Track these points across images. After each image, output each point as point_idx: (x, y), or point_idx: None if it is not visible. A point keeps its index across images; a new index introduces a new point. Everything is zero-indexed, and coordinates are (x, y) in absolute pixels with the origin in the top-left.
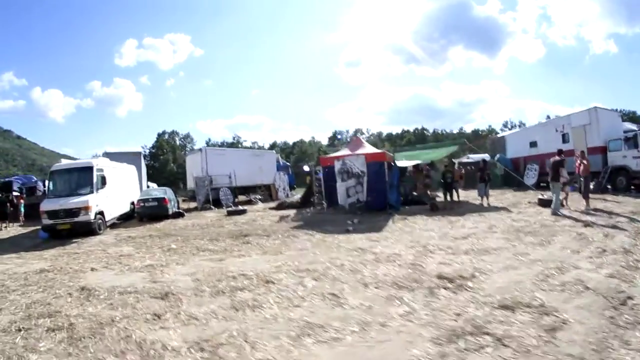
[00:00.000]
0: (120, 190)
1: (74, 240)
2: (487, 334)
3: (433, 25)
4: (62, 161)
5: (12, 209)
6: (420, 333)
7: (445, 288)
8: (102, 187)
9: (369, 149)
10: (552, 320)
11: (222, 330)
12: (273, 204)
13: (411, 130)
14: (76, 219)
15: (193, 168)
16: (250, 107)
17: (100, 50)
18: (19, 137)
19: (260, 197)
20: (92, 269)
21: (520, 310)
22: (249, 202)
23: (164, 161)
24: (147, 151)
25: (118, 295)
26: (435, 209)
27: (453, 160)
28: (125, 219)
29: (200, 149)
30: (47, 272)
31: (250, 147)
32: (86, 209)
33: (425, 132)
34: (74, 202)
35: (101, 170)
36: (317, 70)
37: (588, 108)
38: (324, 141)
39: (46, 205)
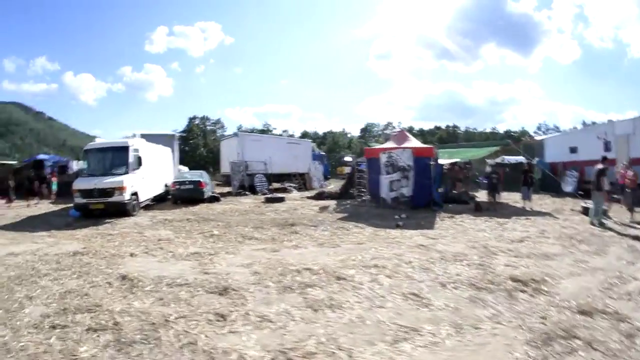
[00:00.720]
0: (155, 171)
1: (106, 221)
2: (577, 337)
3: (466, 21)
4: (96, 140)
5: (43, 186)
6: (514, 336)
7: (522, 291)
8: (137, 168)
9: (414, 143)
10: (629, 327)
11: (306, 335)
12: (309, 193)
13: (443, 127)
14: (110, 199)
15: (228, 153)
16: (280, 96)
17: (132, 36)
18: (50, 119)
19: (295, 185)
20: (132, 255)
21: (597, 316)
22: (284, 190)
23: (194, 145)
24: (178, 135)
25: (167, 287)
26: (479, 209)
27: (487, 160)
28: (158, 201)
29: (236, 134)
30: (82, 255)
31: (287, 136)
32: (121, 189)
33: (456, 129)
34: (108, 181)
35: (137, 150)
36: (347, 62)
37: (633, 117)
38: (355, 133)
39: (79, 184)
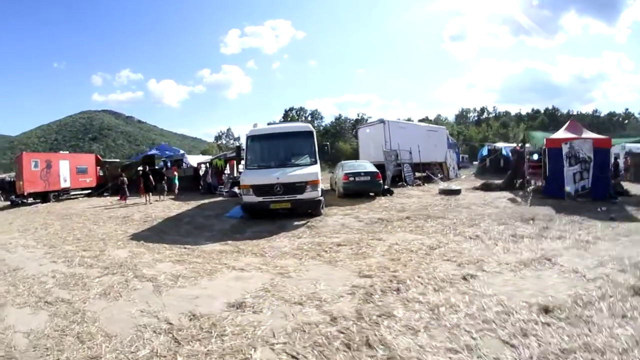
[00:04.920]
0: None
1: (296, 223)
2: None
3: None
4: (257, 125)
5: (161, 182)
6: None
7: None
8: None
9: (589, 133)
10: None
11: None
12: (460, 184)
13: (532, 109)
14: (299, 196)
15: (370, 141)
16: (357, 85)
17: (206, 41)
18: (140, 122)
19: (441, 175)
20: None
21: None
22: (428, 180)
23: None
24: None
25: None
26: None
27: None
28: None
29: (382, 121)
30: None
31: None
32: (314, 183)
33: (556, 112)
34: (297, 174)
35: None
36: (422, 46)
37: None
38: (451, 118)
39: (253, 178)
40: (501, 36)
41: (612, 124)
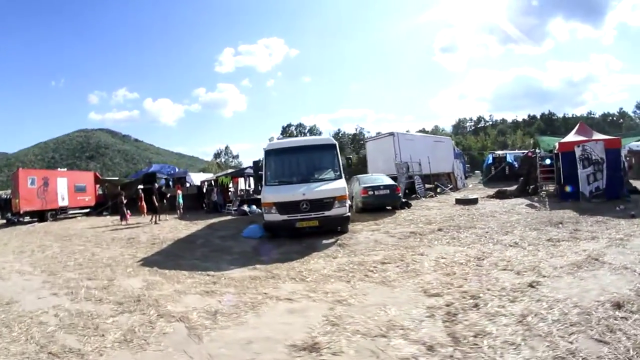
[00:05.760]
0: None
1: (325, 242)
2: None
3: None
4: (274, 139)
5: (162, 201)
6: None
7: None
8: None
9: (599, 135)
10: None
11: None
12: (478, 193)
13: (537, 115)
14: (327, 213)
15: (379, 154)
16: (352, 100)
17: (200, 61)
18: (136, 140)
19: (450, 185)
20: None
21: None
22: (436, 191)
23: None
24: None
25: None
26: None
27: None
28: None
29: (391, 134)
30: None
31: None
32: (342, 198)
33: (552, 116)
34: (325, 189)
35: None
36: (413, 59)
37: None
38: (448, 129)
39: (275, 195)
40: (490, 46)
41: (607, 124)
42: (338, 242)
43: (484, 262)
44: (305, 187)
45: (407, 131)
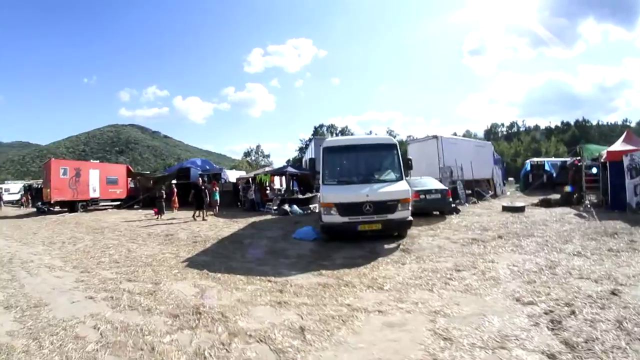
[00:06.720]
0: None
1: (387, 247)
2: None
3: None
4: (328, 137)
5: (200, 198)
6: None
7: None
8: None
9: None
10: None
11: None
12: (520, 201)
13: (571, 122)
14: (390, 216)
15: (421, 157)
16: (380, 103)
17: (230, 60)
18: (165, 137)
19: (491, 192)
20: None
21: None
22: (479, 197)
23: None
24: (305, 144)
25: None
26: None
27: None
28: None
29: (435, 136)
30: None
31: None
32: (406, 201)
33: (586, 123)
34: (389, 191)
35: None
36: (442, 62)
37: None
38: (480, 134)
39: (336, 195)
40: (520, 49)
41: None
42: (400, 247)
43: (556, 270)
44: (367, 187)
45: (455, 134)
